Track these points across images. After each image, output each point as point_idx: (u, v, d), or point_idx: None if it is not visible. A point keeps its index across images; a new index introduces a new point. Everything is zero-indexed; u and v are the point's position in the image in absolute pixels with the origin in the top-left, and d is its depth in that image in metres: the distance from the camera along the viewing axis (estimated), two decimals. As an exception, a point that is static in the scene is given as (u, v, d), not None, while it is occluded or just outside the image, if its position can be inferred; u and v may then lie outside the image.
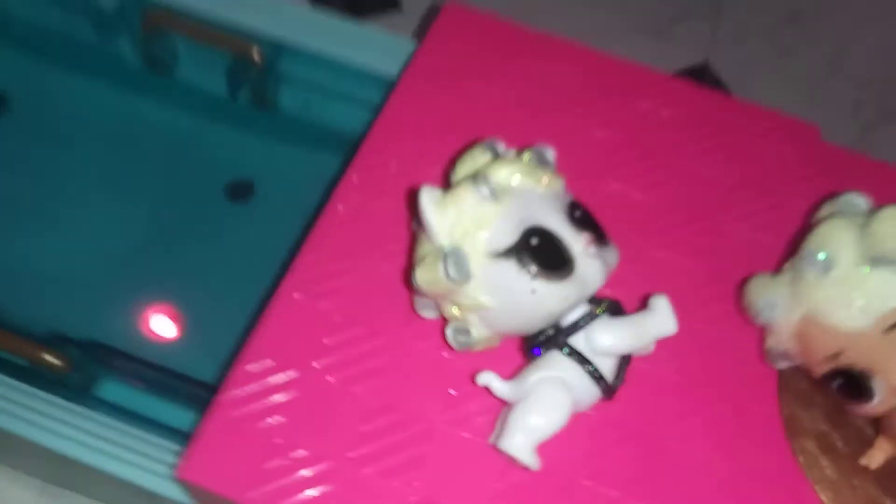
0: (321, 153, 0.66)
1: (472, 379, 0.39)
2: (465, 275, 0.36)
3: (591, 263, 0.36)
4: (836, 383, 0.39)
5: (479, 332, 0.38)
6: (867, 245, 0.37)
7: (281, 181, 0.66)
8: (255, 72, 0.63)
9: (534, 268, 0.35)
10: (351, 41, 0.61)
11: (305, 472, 0.39)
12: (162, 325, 0.60)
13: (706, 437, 0.41)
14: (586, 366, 0.37)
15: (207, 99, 0.67)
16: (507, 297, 0.36)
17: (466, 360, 0.41)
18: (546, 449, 0.37)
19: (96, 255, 0.62)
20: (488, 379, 0.38)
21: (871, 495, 0.39)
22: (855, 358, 0.38)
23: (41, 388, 0.47)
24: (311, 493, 0.38)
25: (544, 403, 0.37)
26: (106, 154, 0.67)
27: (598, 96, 0.52)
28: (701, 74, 0.75)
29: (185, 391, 0.50)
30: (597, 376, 0.37)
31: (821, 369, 0.39)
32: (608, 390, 0.38)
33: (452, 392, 0.41)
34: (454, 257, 0.35)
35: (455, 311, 0.38)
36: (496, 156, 0.39)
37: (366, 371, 0.42)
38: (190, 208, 0.65)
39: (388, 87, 0.53)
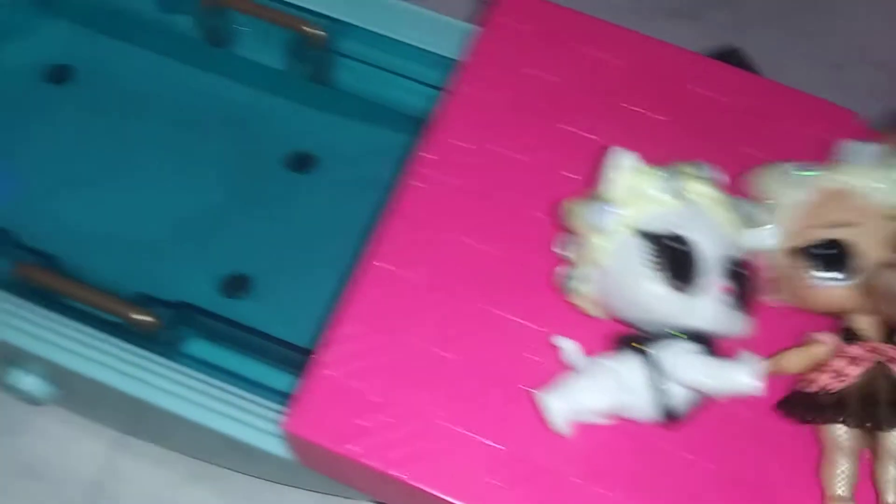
0: (379, 128, 0.68)
1: (556, 346, 0.42)
2: (599, 224, 0.39)
3: (710, 302, 0.38)
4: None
5: (585, 287, 0.41)
6: None
7: (342, 154, 0.68)
8: (315, 49, 0.65)
9: (656, 261, 0.38)
10: (408, 22, 0.63)
11: (399, 430, 0.43)
12: (238, 289, 0.63)
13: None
14: (657, 381, 0.38)
15: (266, 74, 0.69)
16: (621, 269, 0.39)
17: (551, 328, 0.44)
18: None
19: (172, 223, 0.65)
20: (565, 342, 0.41)
21: None
22: None
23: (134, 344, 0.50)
24: (404, 449, 0.42)
25: (598, 387, 0.39)
26: (170, 125, 0.69)
27: (650, 81, 0.54)
28: (729, 58, 0.78)
29: (269, 351, 0.54)
30: (660, 393, 0.38)
31: None
32: (669, 416, 0.39)
33: (537, 359, 0.44)
34: (599, 207, 0.39)
35: (577, 256, 0.41)
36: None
37: (453, 336, 0.45)
38: (255, 178, 0.67)
39: (444, 67, 0.56)
